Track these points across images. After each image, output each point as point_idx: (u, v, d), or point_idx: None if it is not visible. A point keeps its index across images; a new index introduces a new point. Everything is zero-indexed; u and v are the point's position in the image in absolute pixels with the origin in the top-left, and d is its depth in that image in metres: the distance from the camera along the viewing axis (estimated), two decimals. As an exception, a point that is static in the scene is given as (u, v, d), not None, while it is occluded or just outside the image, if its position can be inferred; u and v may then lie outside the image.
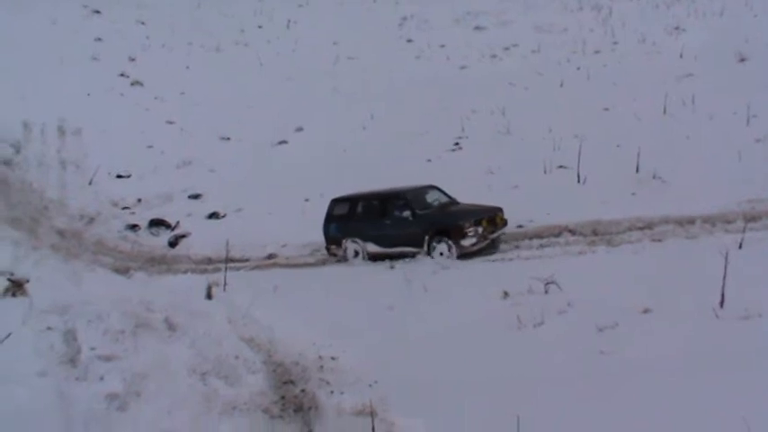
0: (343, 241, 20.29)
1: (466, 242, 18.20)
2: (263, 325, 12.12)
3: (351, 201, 20.67)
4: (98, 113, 33.11)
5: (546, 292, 12.78)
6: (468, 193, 21.87)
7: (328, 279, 17.73)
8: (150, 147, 33.03)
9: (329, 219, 20.69)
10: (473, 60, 43.45)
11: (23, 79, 34.36)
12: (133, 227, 25.76)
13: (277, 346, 11.24)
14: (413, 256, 18.85)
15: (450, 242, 18.33)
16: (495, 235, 19.01)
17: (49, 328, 9.85)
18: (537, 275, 13.20)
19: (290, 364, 10.51)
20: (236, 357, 10.24)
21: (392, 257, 19.24)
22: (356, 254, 20.20)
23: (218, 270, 19.20)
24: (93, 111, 33.31)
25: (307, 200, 24.87)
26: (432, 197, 20.22)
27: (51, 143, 30.54)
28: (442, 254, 18.37)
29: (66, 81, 36.49)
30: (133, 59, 44.78)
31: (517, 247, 18.87)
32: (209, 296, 13.38)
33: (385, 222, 19.65)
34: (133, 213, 27.03)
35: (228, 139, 35.01)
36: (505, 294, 13.09)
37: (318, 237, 21.05)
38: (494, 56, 44.39)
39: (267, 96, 39.41)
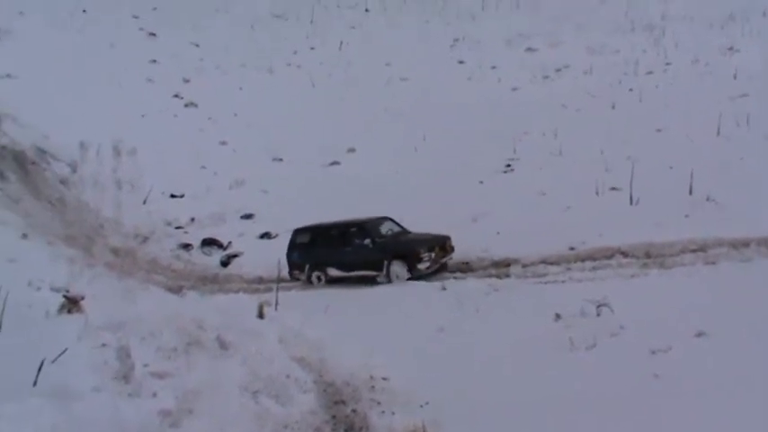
0: (306, 267, 21.95)
1: (421, 266, 20.05)
2: (315, 344, 12.14)
3: (312, 231, 22.55)
4: (153, 134, 33.49)
5: (598, 314, 12.66)
6: (519, 215, 21.92)
7: (380, 300, 17.71)
8: (203, 167, 33.36)
9: (292, 247, 22.56)
10: (525, 82, 43.31)
11: (81, 100, 34.90)
12: (186, 246, 26.02)
13: (328, 365, 11.25)
14: (373, 279, 20.66)
15: (407, 266, 20.19)
16: (444, 260, 20.89)
17: (103, 345, 9.95)
18: (589, 298, 13.09)
19: (341, 383, 10.51)
20: (288, 376, 10.27)
21: (351, 281, 21.05)
22: (318, 279, 21.92)
23: (269, 290, 19.30)
24: (147, 131, 33.72)
25: (359, 220, 25.02)
26: (386, 227, 22.03)
27: (107, 163, 30.95)
28: (398, 276, 20.27)
29: (122, 102, 37.03)
30: (187, 81, 45.35)
31: (569, 269, 18.67)
32: (260, 315, 13.41)
33: (345, 249, 21.49)
34: (186, 233, 27.29)
35: (281, 159, 35.23)
36: (558, 316, 12.99)
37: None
38: (545, 77, 44.23)
39: (319, 117, 39.63)
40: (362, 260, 21.02)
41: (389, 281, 20.36)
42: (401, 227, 22.44)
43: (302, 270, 21.97)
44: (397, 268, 20.34)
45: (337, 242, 21.71)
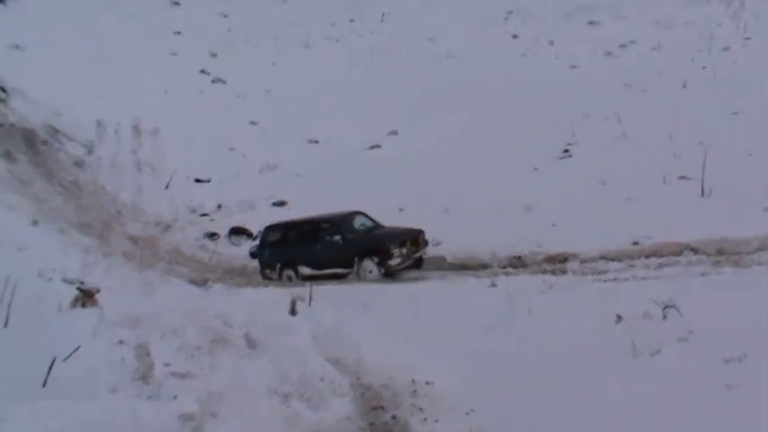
0: (278, 265, 23.18)
1: (393, 262, 21.22)
2: (352, 344, 12.13)
3: (283, 228, 23.84)
4: (176, 113, 33.73)
5: (664, 317, 12.50)
6: (577, 206, 21.77)
7: (423, 296, 17.59)
8: (232, 149, 33.53)
9: (263, 245, 23.79)
10: (585, 59, 42.84)
11: (98, 75, 35.12)
12: (212, 235, 26.20)
13: (366, 367, 11.25)
14: (344, 276, 21.78)
15: (378, 262, 21.34)
16: (417, 254, 22.19)
17: (120, 342, 10.03)
18: (654, 298, 12.93)
19: (380, 387, 10.50)
20: (322, 379, 10.27)
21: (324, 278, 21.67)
22: (289, 278, 22.91)
23: (302, 284, 19.37)
24: (171, 110, 33.98)
25: (401, 210, 24.98)
26: (358, 222, 23.26)
27: (126, 143, 31.26)
28: (371, 271, 21.44)
29: (144, 78, 37.27)
30: (215, 55, 45.53)
31: (632, 266, 18.51)
32: (292, 312, 13.47)
33: (316, 247, 22.69)
34: (212, 221, 27.48)
35: (316, 142, 35.32)
36: (619, 318, 12.84)
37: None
38: (608, 54, 43.69)
39: (359, 96, 39.59)
40: (333, 257, 22.20)
41: (360, 279, 21.39)
42: (374, 221, 23.53)
43: (274, 269, 23.16)
44: (368, 265, 21.52)
45: (308, 239, 22.90)
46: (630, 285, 16.41)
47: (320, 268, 22.33)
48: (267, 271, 23.28)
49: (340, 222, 22.69)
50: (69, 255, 20.76)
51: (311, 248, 22.55)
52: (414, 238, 21.93)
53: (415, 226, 22.48)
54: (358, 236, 22.50)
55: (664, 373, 10.08)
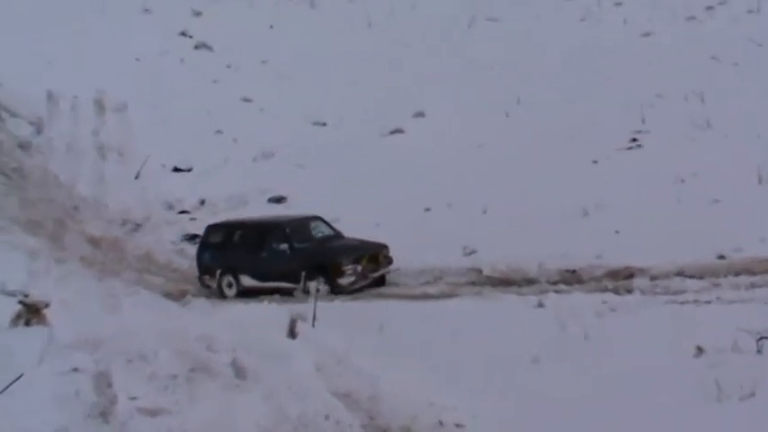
0: (217, 272, 23.61)
1: (343, 281, 21.86)
2: (364, 375, 12.12)
3: (227, 228, 24.48)
4: (149, 85, 33.74)
5: (759, 350, 12.42)
6: (647, 209, 21.66)
7: (454, 317, 17.41)
8: (219, 132, 33.59)
9: (203, 246, 24.43)
10: (661, 24, 42.67)
11: (52, 37, 35.11)
12: (192, 237, 26.19)
13: (382, 404, 11.21)
14: (289, 292, 22.06)
15: (326, 280, 21.93)
16: (377, 274, 22.78)
17: (74, 370, 10.01)
18: (745, 326, 12.85)
19: (399, 430, 10.48)
20: (327, 418, 10.25)
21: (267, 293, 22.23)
22: (230, 286, 23.55)
23: (305, 299, 19.37)
24: (142, 81, 34.00)
25: (428, 209, 24.94)
26: (314, 230, 24.06)
27: (85, 122, 31.13)
28: (318, 290, 21.18)
29: (109, 41, 37.27)
30: (199, 14, 45.61)
31: (716, 285, 18.38)
32: (291, 334, 13.48)
33: (261, 254, 23.21)
34: (194, 219, 27.49)
35: (324, 124, 35.33)
36: (699, 351, 12.79)
37: (446, 259, 22.04)
38: (691, 18, 43.57)
39: (377, 69, 39.56)
40: (278, 269, 22.69)
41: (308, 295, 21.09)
42: (333, 229, 24.32)
43: (213, 275, 23.61)
44: (315, 282, 21.86)
45: (253, 245, 23.45)
46: (714, 309, 16.29)
47: (264, 280, 22.93)
48: (206, 277, 23.79)
49: (289, 229, 23.33)
50: (11, 260, 20.69)
51: (256, 256, 23.03)
52: (373, 255, 22.56)
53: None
54: (308, 246, 23.07)
55: (757, 423, 9.98)
